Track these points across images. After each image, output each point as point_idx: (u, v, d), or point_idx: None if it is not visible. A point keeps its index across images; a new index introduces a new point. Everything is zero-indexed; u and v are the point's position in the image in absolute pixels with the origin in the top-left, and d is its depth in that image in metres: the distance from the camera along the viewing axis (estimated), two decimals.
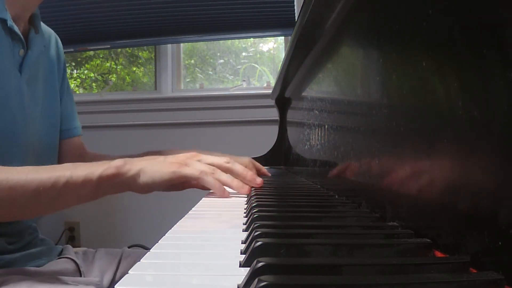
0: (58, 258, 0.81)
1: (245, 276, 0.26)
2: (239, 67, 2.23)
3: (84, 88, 2.44)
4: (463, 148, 0.29)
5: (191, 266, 0.32)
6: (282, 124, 1.42)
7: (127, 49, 2.32)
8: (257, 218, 0.43)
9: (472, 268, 0.27)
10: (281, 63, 1.29)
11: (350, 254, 0.31)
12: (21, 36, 0.72)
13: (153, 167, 0.62)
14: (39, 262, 0.76)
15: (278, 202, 0.61)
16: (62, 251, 0.85)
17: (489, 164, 0.26)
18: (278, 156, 1.39)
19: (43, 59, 0.82)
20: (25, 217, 0.71)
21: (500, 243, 0.24)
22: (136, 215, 1.97)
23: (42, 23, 0.81)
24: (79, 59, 2.41)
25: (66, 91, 0.90)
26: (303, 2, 0.67)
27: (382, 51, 0.45)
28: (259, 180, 0.70)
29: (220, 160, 0.68)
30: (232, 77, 2.24)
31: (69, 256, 0.81)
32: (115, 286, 0.25)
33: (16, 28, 0.71)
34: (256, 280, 0.22)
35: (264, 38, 2.20)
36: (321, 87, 0.80)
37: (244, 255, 0.32)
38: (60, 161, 0.90)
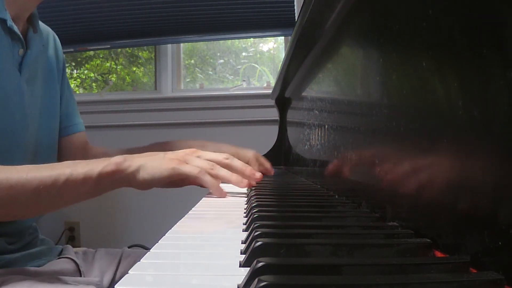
0: (58, 258, 0.81)
1: (245, 276, 0.26)
2: (239, 67, 2.23)
3: (84, 88, 2.44)
4: (463, 148, 0.29)
5: (191, 266, 0.32)
6: (282, 124, 1.42)
7: (127, 49, 2.32)
8: (257, 218, 0.43)
9: (472, 268, 0.27)
10: (281, 63, 1.29)
11: (350, 254, 0.31)
12: (21, 36, 0.72)
13: (153, 163, 0.62)
14: (39, 262, 0.76)
15: (278, 202, 0.61)
16: (62, 251, 0.85)
17: (489, 164, 0.26)
18: (278, 156, 1.39)
19: (42, 58, 0.82)
20: (26, 216, 0.71)
21: (500, 243, 0.24)
22: (136, 215, 1.97)
23: (39, 22, 0.81)
24: (79, 59, 2.41)
25: (67, 89, 0.90)
26: (303, 2, 0.67)
27: (382, 51, 0.45)
28: (258, 175, 0.70)
29: (220, 156, 0.68)
30: (232, 77, 2.24)
31: (69, 256, 0.81)
32: (115, 286, 0.25)
33: (15, 28, 0.71)
34: (256, 280, 0.22)
35: (264, 38, 2.20)
36: (321, 87, 0.80)
37: (244, 255, 0.32)
38: (62, 158, 0.90)
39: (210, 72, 2.28)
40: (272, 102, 1.47)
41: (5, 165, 0.58)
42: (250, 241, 0.34)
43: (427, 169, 0.34)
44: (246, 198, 0.67)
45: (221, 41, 2.22)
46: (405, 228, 0.38)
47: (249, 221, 0.45)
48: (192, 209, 0.57)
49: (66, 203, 0.63)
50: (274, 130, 1.46)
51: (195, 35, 2.04)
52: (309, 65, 0.89)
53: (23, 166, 0.59)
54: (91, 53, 2.36)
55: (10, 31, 0.70)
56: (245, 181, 0.68)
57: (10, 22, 0.69)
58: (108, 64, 2.40)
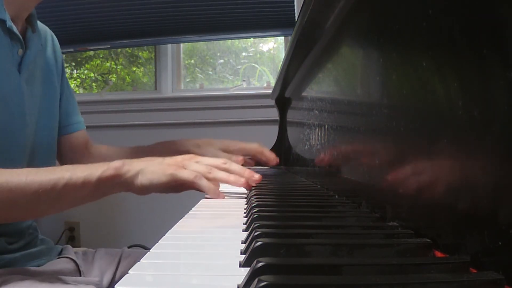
0: (58, 258, 0.81)
1: (245, 276, 0.26)
2: (239, 67, 2.23)
3: (84, 88, 2.44)
4: (463, 148, 0.29)
5: (191, 266, 0.32)
6: (282, 124, 1.42)
7: (127, 49, 2.32)
8: (257, 218, 0.43)
9: (472, 268, 0.27)
10: (281, 63, 1.29)
11: (350, 254, 0.31)
12: (20, 36, 0.73)
13: (151, 169, 0.62)
14: (39, 262, 0.76)
15: (278, 202, 0.61)
16: (62, 251, 0.85)
17: (489, 164, 0.26)
18: (278, 156, 1.39)
19: (41, 58, 0.82)
20: (25, 218, 0.72)
21: (500, 243, 0.24)
22: (136, 215, 1.97)
23: (37, 22, 0.81)
24: (79, 59, 2.41)
25: (66, 88, 0.90)
26: (303, 2, 0.67)
27: (382, 51, 0.45)
28: (257, 176, 0.70)
29: (218, 161, 0.68)
30: (232, 77, 2.24)
31: (69, 256, 0.81)
32: (115, 286, 0.25)
33: (15, 29, 0.71)
34: (256, 280, 0.22)
35: (264, 38, 2.20)
36: (321, 87, 0.80)
37: (244, 255, 0.32)
38: (63, 157, 0.90)
39: (210, 72, 2.28)
40: (272, 102, 1.47)
41: (4, 164, 0.58)
42: (250, 241, 0.34)
43: (427, 169, 0.34)
44: (246, 198, 0.67)
45: (221, 41, 2.22)
46: (405, 228, 0.38)
47: (249, 221, 0.45)
48: (192, 209, 0.57)
49: (65, 207, 0.64)
50: (274, 130, 1.46)
51: (195, 35, 2.04)
52: (309, 65, 0.89)
53: (23, 169, 0.59)
54: (91, 53, 2.36)
55: (9, 32, 0.70)
56: (243, 179, 0.68)
57: (9, 23, 0.69)
58: (108, 64, 2.40)
